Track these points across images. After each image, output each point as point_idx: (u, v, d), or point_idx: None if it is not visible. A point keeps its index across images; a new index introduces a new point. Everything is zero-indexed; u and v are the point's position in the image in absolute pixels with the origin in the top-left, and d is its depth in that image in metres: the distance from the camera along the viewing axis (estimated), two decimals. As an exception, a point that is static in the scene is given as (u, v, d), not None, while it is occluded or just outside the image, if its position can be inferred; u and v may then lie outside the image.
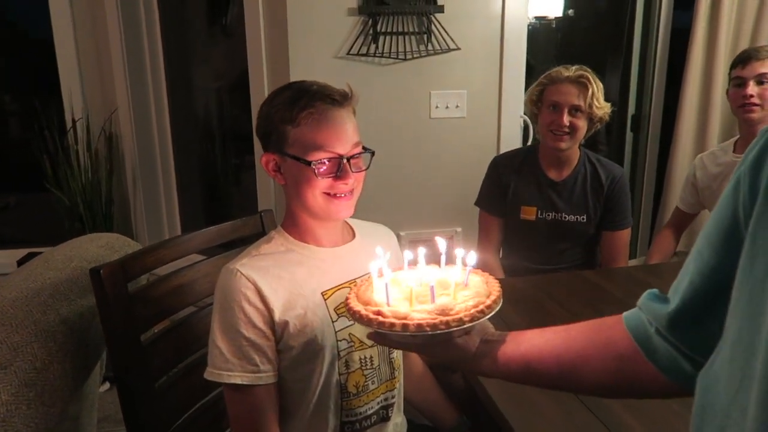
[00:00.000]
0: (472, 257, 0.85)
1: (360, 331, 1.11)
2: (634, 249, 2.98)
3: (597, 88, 1.81)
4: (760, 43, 2.52)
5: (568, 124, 1.81)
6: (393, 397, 1.20)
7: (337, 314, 1.09)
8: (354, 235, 1.20)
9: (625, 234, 1.95)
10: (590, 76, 1.82)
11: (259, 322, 1.03)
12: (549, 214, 1.93)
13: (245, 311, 1.02)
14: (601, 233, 1.96)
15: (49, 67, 2.78)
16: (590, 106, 1.80)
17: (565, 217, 1.92)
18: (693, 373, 0.60)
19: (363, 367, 1.13)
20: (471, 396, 1.68)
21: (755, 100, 1.91)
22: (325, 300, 1.08)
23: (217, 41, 3.07)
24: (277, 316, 1.03)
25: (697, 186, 2.15)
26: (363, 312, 0.80)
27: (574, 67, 1.85)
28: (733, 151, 2.07)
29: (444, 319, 0.76)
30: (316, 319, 1.06)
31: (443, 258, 0.89)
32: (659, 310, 0.68)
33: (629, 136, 2.96)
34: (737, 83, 1.96)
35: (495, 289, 0.85)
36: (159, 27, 2.85)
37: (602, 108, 1.83)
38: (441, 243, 0.89)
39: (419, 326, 0.76)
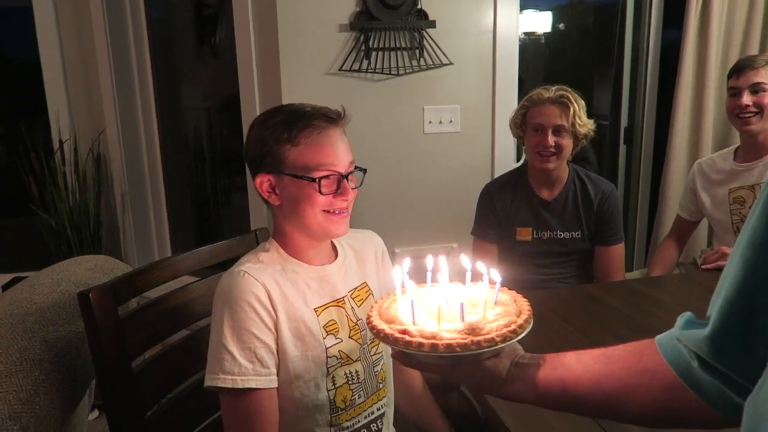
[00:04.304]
0: (498, 274, 0.80)
1: (347, 348, 1.11)
2: (631, 261, 2.96)
3: (578, 106, 1.83)
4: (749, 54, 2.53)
5: (553, 144, 1.83)
6: (380, 409, 1.19)
7: (326, 332, 1.09)
8: (336, 253, 1.19)
9: (619, 249, 1.96)
10: (571, 96, 1.83)
11: (270, 322, 1.02)
12: (544, 234, 1.94)
13: (257, 311, 1.00)
14: (595, 249, 1.96)
15: (34, 89, 2.74)
16: (573, 124, 1.82)
17: (560, 235, 1.94)
18: (741, 402, 0.56)
19: (349, 382, 1.12)
20: (468, 416, 1.64)
21: (751, 109, 1.90)
22: (317, 316, 1.09)
23: (206, 61, 3.05)
24: (280, 323, 1.03)
25: (696, 192, 2.13)
26: (388, 331, 0.75)
27: (554, 88, 1.87)
28: (734, 159, 2.05)
29: (475, 339, 0.71)
30: (308, 334, 1.06)
31: (468, 275, 0.85)
32: (697, 336, 0.65)
33: (623, 148, 2.96)
34: (732, 93, 1.95)
35: (525, 307, 0.80)
36: (148, 47, 2.83)
37: (585, 125, 1.85)
38: (465, 260, 0.85)
39: (448, 346, 0.71)
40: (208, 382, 1.00)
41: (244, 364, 0.99)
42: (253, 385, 0.99)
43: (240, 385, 0.99)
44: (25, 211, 2.65)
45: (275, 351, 1.03)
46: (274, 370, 1.02)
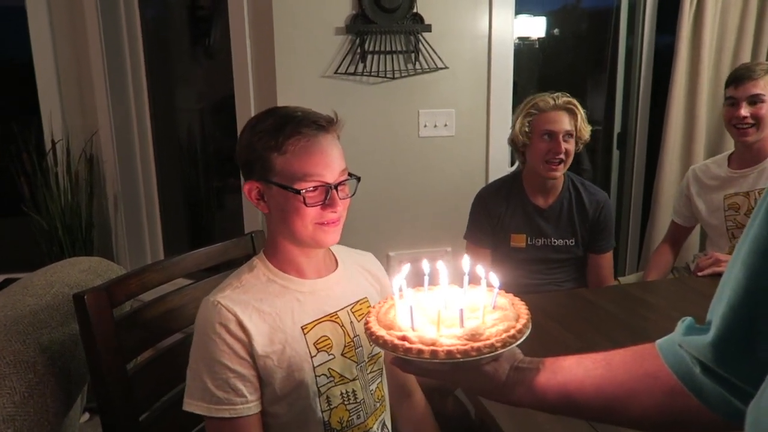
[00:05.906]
0: (496, 278, 0.80)
1: (340, 366, 1.09)
2: (623, 266, 2.97)
3: (582, 113, 1.88)
4: (741, 60, 2.56)
5: (564, 150, 1.85)
6: (380, 429, 1.17)
7: (317, 349, 1.06)
8: (336, 265, 1.17)
9: (609, 256, 2.00)
10: (576, 102, 1.88)
11: (243, 352, 1.00)
12: (539, 240, 1.96)
13: (228, 343, 0.99)
14: (587, 255, 1.99)
15: (27, 89, 2.72)
16: (579, 130, 1.87)
17: (554, 242, 1.95)
18: (743, 408, 0.56)
19: (345, 402, 1.10)
20: (463, 420, 1.64)
21: (748, 120, 1.89)
22: (304, 335, 1.06)
23: (200, 62, 3.04)
24: (258, 349, 1.01)
25: (691, 198, 2.14)
26: (387, 338, 0.75)
27: (558, 94, 1.89)
28: (728, 166, 2.06)
29: (475, 345, 0.71)
30: (295, 355, 1.04)
31: (466, 278, 0.84)
32: (700, 342, 0.65)
33: (616, 153, 2.98)
34: (730, 103, 1.94)
35: (523, 311, 0.80)
36: (142, 48, 2.81)
37: (587, 130, 1.90)
38: (466, 263, 0.85)
39: (449, 353, 0.70)
40: (186, 407, 1.01)
41: (217, 394, 0.99)
42: (226, 415, 0.99)
43: (214, 414, 0.99)
44: (16, 211, 2.62)
45: (254, 376, 1.02)
46: (251, 398, 1.01)
